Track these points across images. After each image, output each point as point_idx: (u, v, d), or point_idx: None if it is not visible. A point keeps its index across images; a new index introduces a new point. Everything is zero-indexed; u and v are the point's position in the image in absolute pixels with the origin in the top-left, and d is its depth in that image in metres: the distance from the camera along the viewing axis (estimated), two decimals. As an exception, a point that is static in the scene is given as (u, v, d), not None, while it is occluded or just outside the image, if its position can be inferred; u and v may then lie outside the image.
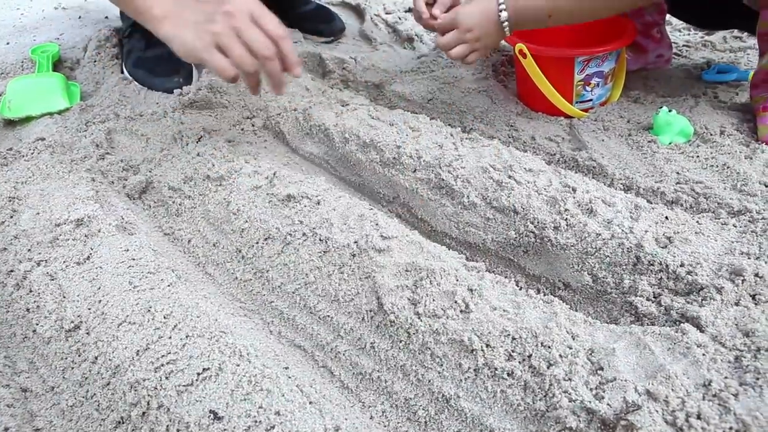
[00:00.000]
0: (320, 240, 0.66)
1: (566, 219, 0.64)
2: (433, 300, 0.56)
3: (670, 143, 0.81)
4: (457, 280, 0.57)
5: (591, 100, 0.92)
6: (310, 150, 0.93)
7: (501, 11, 0.78)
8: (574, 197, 0.66)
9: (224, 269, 0.72)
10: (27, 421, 0.53)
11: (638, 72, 1.05)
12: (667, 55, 1.05)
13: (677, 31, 1.27)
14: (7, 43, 1.36)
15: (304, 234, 0.68)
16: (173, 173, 0.83)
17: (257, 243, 0.71)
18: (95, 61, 1.12)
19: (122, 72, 1.10)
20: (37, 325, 0.62)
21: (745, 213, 0.63)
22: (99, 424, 0.51)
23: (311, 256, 0.66)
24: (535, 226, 0.66)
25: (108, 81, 1.08)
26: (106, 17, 1.40)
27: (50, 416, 0.54)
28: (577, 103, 0.92)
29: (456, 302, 0.55)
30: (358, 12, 1.44)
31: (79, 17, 1.40)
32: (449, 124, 0.95)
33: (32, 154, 0.88)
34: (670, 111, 0.82)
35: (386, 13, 1.41)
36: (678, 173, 0.75)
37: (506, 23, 0.79)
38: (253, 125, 1.00)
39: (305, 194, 0.71)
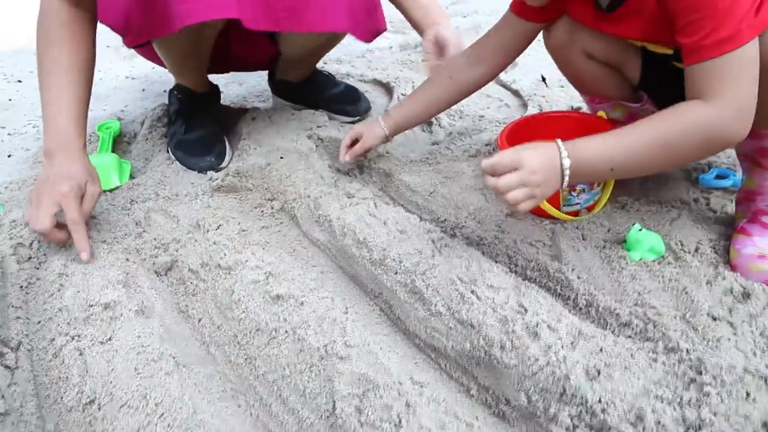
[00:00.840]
0: (298, 339, 0.77)
1: (512, 340, 0.71)
2: (374, 411, 0.65)
3: (640, 259, 0.86)
4: (399, 395, 0.66)
5: (578, 204, 0.98)
6: (317, 236, 1.04)
7: (563, 158, 0.73)
8: (523, 319, 0.73)
9: (223, 351, 0.84)
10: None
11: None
12: (651, 108, 1.08)
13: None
14: (85, 110, 1.58)
15: (286, 332, 0.78)
16: (194, 257, 0.97)
17: (250, 332, 0.82)
18: (147, 139, 1.30)
19: (168, 151, 1.27)
20: (64, 393, 0.76)
21: (677, 351, 0.67)
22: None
23: (290, 352, 0.77)
24: (485, 342, 0.73)
25: (155, 159, 1.25)
26: (164, 91, 1.59)
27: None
28: (564, 207, 0.98)
29: (391, 416, 0.63)
30: (388, 89, 1.56)
31: (143, 90, 1.60)
32: (445, 219, 1.04)
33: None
34: (640, 229, 0.86)
35: (414, 92, 1.51)
36: (638, 294, 0.80)
37: (567, 171, 0.73)
38: (272, 207, 1.13)
39: (292, 295, 0.82)
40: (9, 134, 1.50)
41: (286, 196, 1.12)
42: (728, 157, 1.11)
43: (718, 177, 1.04)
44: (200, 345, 0.87)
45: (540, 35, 1.01)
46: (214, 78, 1.35)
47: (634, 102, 1.03)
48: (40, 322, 0.90)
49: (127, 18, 0.95)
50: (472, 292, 0.79)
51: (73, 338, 0.82)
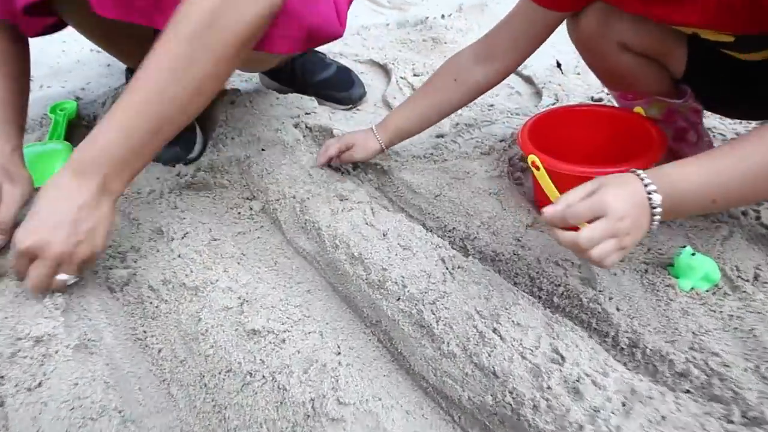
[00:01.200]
0: (278, 388, 0.62)
1: (547, 399, 0.57)
2: (377, 500, 0.50)
3: (690, 290, 0.72)
4: (407, 477, 0.51)
5: (611, 215, 0.83)
6: (303, 245, 0.89)
7: (650, 194, 0.58)
8: (561, 371, 0.59)
9: (187, 393, 0.69)
10: None
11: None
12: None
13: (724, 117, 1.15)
14: (40, 87, 1.39)
15: (263, 377, 0.63)
16: (154, 272, 0.80)
17: (219, 373, 0.67)
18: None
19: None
20: None
21: (758, 421, 0.53)
22: None
23: (267, 404, 0.61)
24: (513, 399, 0.59)
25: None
26: (110, 87, 1.40)
27: None
28: (595, 218, 0.83)
29: None
30: (385, 71, 1.39)
31: (108, 65, 1.41)
32: (453, 228, 0.88)
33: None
34: (693, 254, 0.72)
35: (414, 75, 1.35)
36: (693, 334, 0.66)
37: (658, 209, 0.58)
38: (251, 209, 0.97)
39: (271, 330, 0.67)
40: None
41: (268, 196, 0.96)
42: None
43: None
44: (159, 384, 0.71)
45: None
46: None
47: (675, 98, 0.88)
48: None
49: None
50: (494, 330, 0.64)
51: (-5, 378, 0.66)
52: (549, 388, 0.57)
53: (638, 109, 0.89)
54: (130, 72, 1.13)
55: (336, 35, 0.90)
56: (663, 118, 0.90)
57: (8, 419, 0.60)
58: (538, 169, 0.81)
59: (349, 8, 0.95)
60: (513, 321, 0.65)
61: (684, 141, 0.92)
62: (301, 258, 0.90)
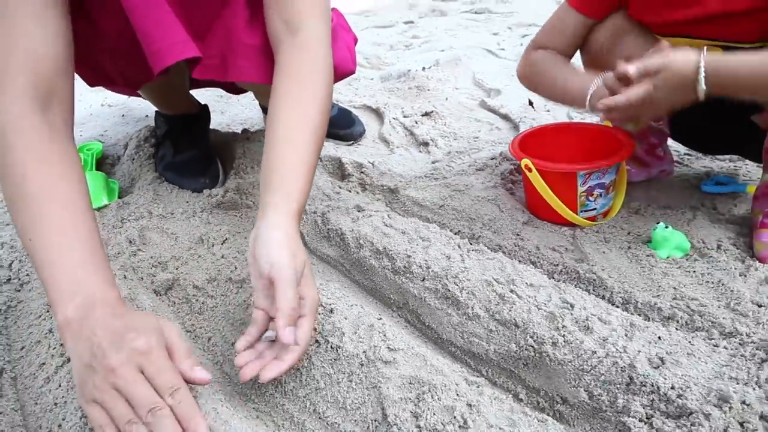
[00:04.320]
0: (332, 348, 0.70)
1: (563, 335, 0.68)
2: (434, 414, 0.59)
3: (667, 257, 0.85)
4: (458, 395, 0.60)
5: (595, 209, 0.98)
6: (326, 252, 0.99)
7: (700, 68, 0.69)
8: (571, 314, 0.70)
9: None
10: None
11: (641, 182, 1.10)
12: (669, 169, 1.11)
13: (679, 140, 1.34)
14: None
15: (317, 341, 0.72)
16: (198, 273, 0.89)
17: (272, 346, 0.75)
18: (133, 159, 1.22)
19: (156, 171, 1.20)
20: (63, 420, 0.66)
21: (736, 335, 0.66)
22: None
23: (322, 362, 0.70)
24: (534, 341, 0.69)
25: (143, 178, 1.17)
26: (147, 116, 1.53)
27: None
28: (581, 212, 0.97)
29: (455, 417, 0.58)
30: (378, 114, 1.55)
31: (123, 115, 1.53)
32: (459, 231, 1.01)
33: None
34: (666, 227, 0.86)
35: (404, 116, 1.51)
36: (675, 288, 0.79)
37: (703, 77, 0.70)
38: (275, 225, 1.07)
39: (319, 302, 0.76)
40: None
41: (289, 213, 1.07)
42: (726, 166, 1.15)
43: (718, 184, 1.06)
44: (212, 365, 0.78)
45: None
46: (202, 99, 1.30)
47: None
48: (23, 348, 0.80)
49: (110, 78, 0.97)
50: (512, 291, 0.76)
51: (69, 360, 0.73)
52: (564, 326, 0.69)
53: (606, 122, 1.06)
54: (159, 115, 1.26)
55: (350, 72, 1.05)
56: (638, 134, 1.06)
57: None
58: (530, 170, 0.95)
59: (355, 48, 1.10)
60: (526, 283, 0.77)
61: (653, 155, 1.09)
62: (324, 264, 1.00)
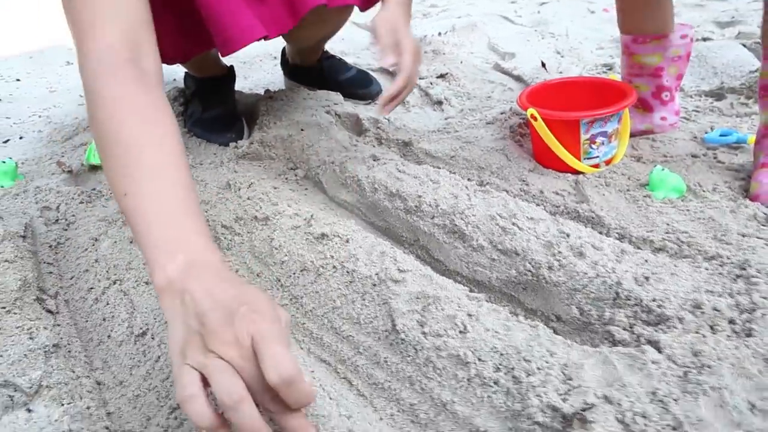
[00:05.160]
0: (347, 272, 0.78)
1: (559, 260, 0.74)
2: (438, 322, 0.66)
3: (663, 198, 0.90)
4: (459, 307, 0.67)
5: (597, 156, 1.03)
6: (344, 198, 1.06)
7: None
8: (567, 242, 0.76)
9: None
10: (101, 405, 0.66)
11: (646, 135, 1.15)
12: (671, 120, 1.15)
13: (689, 97, 1.37)
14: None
15: (334, 267, 0.79)
16: (226, 214, 0.98)
17: (294, 274, 0.83)
18: (165, 118, 1.30)
19: (184, 127, 1.28)
20: (111, 331, 0.75)
21: (718, 258, 0.71)
22: (158, 409, 0.62)
23: (339, 285, 0.78)
24: (532, 266, 0.76)
25: (175, 135, 1.25)
26: (174, 80, 1.61)
27: (119, 403, 0.66)
28: (585, 159, 1.02)
29: (456, 324, 0.65)
30: (394, 77, 1.61)
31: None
32: (469, 179, 1.07)
33: (111, 194, 1.05)
34: (663, 169, 0.91)
35: (420, 78, 1.56)
36: (668, 224, 0.84)
37: None
38: (296, 175, 1.15)
39: (337, 233, 0.84)
40: (15, 123, 1.49)
41: (309, 164, 1.14)
42: (732, 121, 1.18)
43: (722, 136, 1.10)
44: (240, 293, 0.87)
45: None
46: (228, 62, 1.37)
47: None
48: (73, 277, 0.89)
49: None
50: (513, 224, 0.82)
51: (115, 282, 0.82)
52: (559, 252, 0.75)
53: (612, 76, 1.10)
54: (189, 76, 1.34)
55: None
56: (653, 71, 1.10)
57: (133, 303, 0.76)
58: (536, 119, 1.01)
59: None
60: (527, 217, 0.83)
61: (659, 99, 1.13)
62: (342, 209, 1.07)
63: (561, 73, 1.57)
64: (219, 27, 0.93)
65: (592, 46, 1.80)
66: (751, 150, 1.03)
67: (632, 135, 1.13)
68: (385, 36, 0.90)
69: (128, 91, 0.62)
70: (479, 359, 0.60)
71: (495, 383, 0.58)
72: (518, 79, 1.55)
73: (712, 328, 0.60)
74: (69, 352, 0.73)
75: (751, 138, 1.05)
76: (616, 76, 1.12)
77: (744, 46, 1.55)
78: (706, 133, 1.13)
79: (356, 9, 1.10)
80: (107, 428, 0.63)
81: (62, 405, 0.63)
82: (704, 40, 1.69)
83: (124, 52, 0.64)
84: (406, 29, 0.92)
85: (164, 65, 0.75)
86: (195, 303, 0.47)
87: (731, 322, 0.60)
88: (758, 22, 1.88)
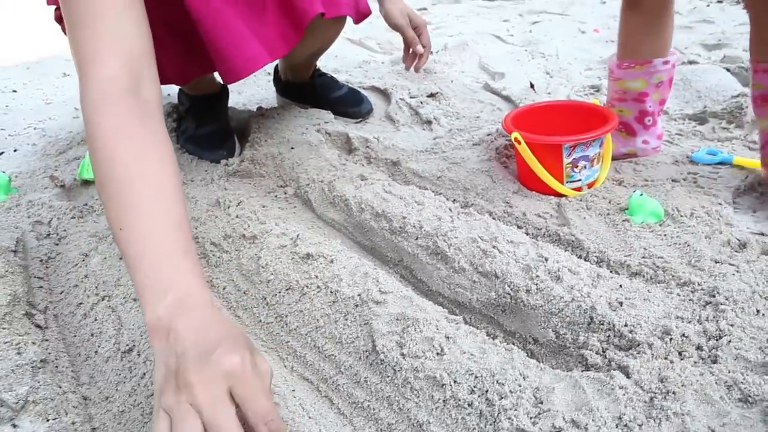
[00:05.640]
0: (330, 292, 0.80)
1: (536, 284, 0.76)
2: (416, 344, 0.68)
3: (642, 222, 0.93)
4: (437, 329, 0.69)
5: (580, 180, 1.05)
6: (332, 216, 1.08)
7: None
8: (545, 266, 0.78)
9: (251, 313, 0.86)
10: (86, 421, 0.67)
11: (630, 159, 1.18)
12: (653, 144, 1.18)
13: (673, 120, 1.40)
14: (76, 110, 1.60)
15: (318, 287, 0.81)
16: (215, 231, 0.99)
17: (279, 292, 0.85)
18: (159, 134, 1.33)
19: (177, 143, 1.30)
20: (99, 347, 0.77)
21: (690, 284, 0.74)
22: (142, 425, 0.64)
23: (322, 305, 0.79)
24: (511, 289, 0.78)
25: (168, 151, 1.27)
26: (168, 95, 1.63)
27: (104, 419, 0.67)
28: (567, 182, 1.05)
29: (434, 346, 0.67)
30: (386, 95, 1.64)
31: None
32: (453, 199, 1.09)
33: (102, 209, 1.07)
34: (641, 194, 0.94)
35: (410, 97, 1.59)
36: (644, 249, 0.86)
37: None
38: (285, 193, 1.17)
39: (322, 254, 0.85)
40: (10, 135, 1.51)
41: (299, 182, 1.16)
42: (711, 142, 1.21)
43: (708, 155, 1.13)
44: (227, 310, 0.88)
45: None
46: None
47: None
48: (63, 292, 0.91)
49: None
50: (494, 247, 0.84)
51: (103, 298, 0.84)
52: (537, 276, 0.77)
53: (595, 100, 1.13)
54: (183, 93, 1.36)
55: (368, 12, 1.20)
56: (637, 96, 1.13)
57: (121, 319, 0.77)
58: (519, 143, 1.03)
59: None
60: (507, 240, 0.85)
61: (641, 123, 1.16)
62: (330, 227, 1.09)
63: (549, 93, 1.60)
64: (222, 56, 0.96)
65: (581, 67, 1.83)
66: (731, 173, 1.06)
67: (615, 158, 1.16)
68: (399, 17, 1.27)
69: (126, 123, 0.63)
70: (455, 381, 0.62)
71: (469, 405, 0.60)
72: (507, 99, 1.58)
73: (680, 354, 0.62)
74: (56, 367, 0.75)
75: (736, 158, 1.09)
76: (601, 99, 1.15)
77: (728, 70, 1.58)
78: (692, 152, 1.16)
79: (349, 24, 1.17)
80: (91, 444, 0.65)
81: (47, 420, 0.64)
82: (690, 63, 1.73)
83: (124, 83, 0.65)
84: (411, 9, 1.30)
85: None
86: (177, 342, 0.50)
87: (698, 348, 0.62)
88: (744, 45, 1.92)
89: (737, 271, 0.76)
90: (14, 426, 0.62)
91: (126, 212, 0.58)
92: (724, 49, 1.87)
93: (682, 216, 0.94)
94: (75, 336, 0.81)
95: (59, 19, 0.99)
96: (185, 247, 0.59)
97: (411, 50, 1.33)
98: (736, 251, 0.83)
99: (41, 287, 0.91)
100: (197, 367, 0.48)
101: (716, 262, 0.80)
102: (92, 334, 0.79)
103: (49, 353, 0.76)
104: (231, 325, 0.55)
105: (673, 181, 1.07)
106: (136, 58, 0.68)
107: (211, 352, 0.49)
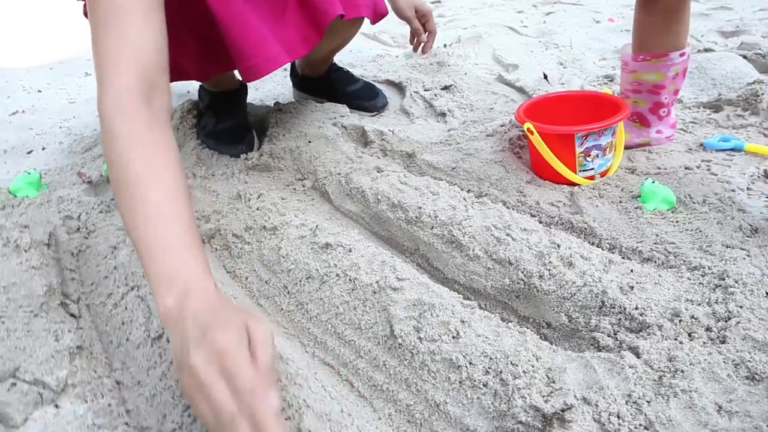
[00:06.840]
0: (349, 280, 0.83)
1: (549, 270, 0.78)
2: (432, 328, 0.71)
3: (654, 210, 0.94)
4: (453, 314, 0.72)
5: (593, 169, 1.07)
6: (349, 208, 1.11)
7: None
8: (558, 252, 0.80)
9: (273, 302, 0.90)
10: (121, 403, 0.71)
11: (643, 147, 1.18)
12: (667, 133, 1.18)
13: (687, 108, 1.40)
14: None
15: (337, 275, 0.84)
16: (237, 223, 1.03)
17: (300, 281, 0.88)
18: (178, 129, 1.36)
19: (198, 139, 1.34)
20: (130, 334, 0.81)
21: (700, 269, 0.75)
22: (173, 407, 0.67)
23: (342, 292, 0.82)
24: (524, 275, 0.80)
25: (188, 145, 1.31)
26: (188, 91, 1.67)
27: (137, 402, 0.71)
28: (580, 171, 1.06)
29: (449, 330, 0.69)
30: (400, 88, 1.66)
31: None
32: (468, 190, 1.11)
33: (129, 204, 1.11)
34: (653, 182, 0.95)
35: (425, 90, 1.61)
36: (656, 235, 0.88)
37: None
38: (303, 186, 1.20)
39: (340, 243, 0.88)
40: (37, 134, 1.56)
41: (317, 175, 1.19)
42: (725, 129, 1.22)
43: (721, 141, 1.14)
44: (249, 299, 0.92)
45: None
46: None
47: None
48: (93, 283, 0.95)
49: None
50: (507, 234, 0.86)
51: (132, 288, 0.87)
52: (550, 262, 0.79)
53: (607, 90, 1.14)
54: (203, 90, 1.40)
55: (385, 13, 1.24)
56: (652, 87, 1.14)
57: (150, 308, 0.81)
58: (532, 133, 1.05)
59: None
60: (521, 228, 0.87)
61: (656, 114, 1.17)
62: (347, 219, 1.12)
63: (563, 84, 1.61)
64: (242, 55, 0.99)
65: (594, 57, 1.83)
66: (745, 159, 1.06)
67: (629, 148, 1.17)
68: (406, 10, 1.35)
69: (137, 130, 0.68)
70: (470, 363, 0.65)
71: (484, 385, 0.62)
72: (521, 90, 1.59)
73: (689, 335, 0.64)
74: (91, 353, 0.79)
75: (748, 145, 1.09)
76: (614, 88, 1.16)
77: (744, 57, 1.58)
78: (705, 138, 1.17)
79: (366, 22, 1.22)
80: (127, 424, 0.68)
81: (86, 402, 0.68)
82: (706, 51, 1.72)
83: (139, 93, 0.70)
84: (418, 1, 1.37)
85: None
86: (182, 329, 0.55)
87: (708, 329, 0.64)
88: (762, 31, 1.91)
89: (748, 255, 0.77)
90: (56, 407, 0.66)
91: (137, 212, 0.64)
92: (742, 36, 1.85)
93: (694, 203, 0.95)
94: (107, 324, 0.85)
95: (87, 13, 1.03)
96: (189, 240, 0.64)
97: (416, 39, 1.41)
98: (747, 236, 0.84)
99: (73, 279, 0.95)
100: (194, 350, 0.52)
101: (727, 247, 0.81)
102: (123, 323, 0.83)
103: (84, 340, 0.80)
104: (229, 305, 0.59)
105: (686, 168, 1.08)
106: (152, 68, 0.73)
107: (206, 333, 0.53)
